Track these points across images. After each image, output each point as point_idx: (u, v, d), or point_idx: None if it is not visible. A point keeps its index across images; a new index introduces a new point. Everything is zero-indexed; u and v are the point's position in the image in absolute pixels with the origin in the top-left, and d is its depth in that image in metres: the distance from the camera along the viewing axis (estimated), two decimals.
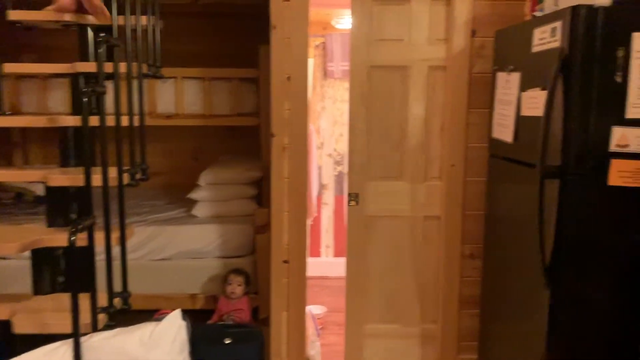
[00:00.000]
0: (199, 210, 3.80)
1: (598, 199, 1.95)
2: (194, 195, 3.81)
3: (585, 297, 2.00)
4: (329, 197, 4.55)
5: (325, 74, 4.37)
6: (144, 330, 1.79)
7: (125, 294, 2.25)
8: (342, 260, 4.60)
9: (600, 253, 1.97)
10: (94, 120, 2.14)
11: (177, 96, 3.90)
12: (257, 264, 3.57)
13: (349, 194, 2.95)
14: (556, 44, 1.98)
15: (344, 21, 4.50)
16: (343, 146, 4.51)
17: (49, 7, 2.32)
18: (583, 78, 1.90)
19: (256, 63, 3.87)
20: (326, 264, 4.60)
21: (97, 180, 2.16)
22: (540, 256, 2.03)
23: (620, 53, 1.87)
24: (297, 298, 2.94)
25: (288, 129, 2.83)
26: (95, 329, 2.10)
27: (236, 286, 3.26)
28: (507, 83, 2.39)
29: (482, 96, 2.83)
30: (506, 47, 2.47)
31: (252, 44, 4.35)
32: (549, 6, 2.23)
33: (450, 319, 2.98)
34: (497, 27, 2.75)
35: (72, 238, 1.91)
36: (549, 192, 2.02)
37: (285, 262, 2.93)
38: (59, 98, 3.89)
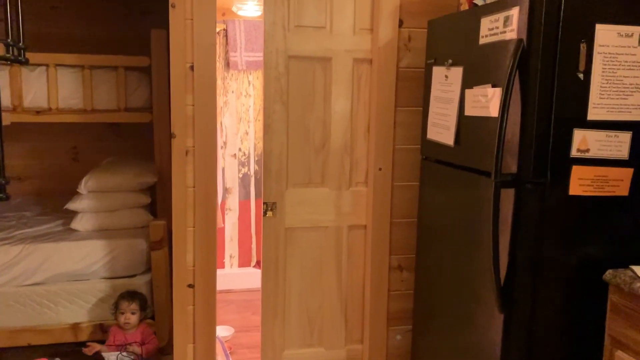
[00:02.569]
0: (80, 223, 3.21)
1: (559, 211, 1.74)
2: (73, 205, 3.21)
3: (542, 318, 1.79)
4: (233, 202, 4.12)
5: (228, 64, 3.92)
6: None
7: None
8: (248, 271, 4.21)
9: (560, 271, 1.77)
10: None
11: (50, 87, 3.25)
12: (153, 285, 3.06)
13: (265, 204, 2.56)
14: (512, 35, 1.74)
15: (247, 7, 4.08)
16: (249, 145, 4.09)
17: None
18: (543, 74, 1.67)
19: (148, 50, 3.35)
20: (230, 276, 4.16)
21: None
22: (493, 277, 1.78)
23: (583, 47, 1.66)
24: (205, 328, 2.50)
25: (192, 128, 2.38)
26: None
27: (130, 315, 2.74)
28: (446, 79, 2.13)
29: (409, 93, 2.57)
30: (442, 38, 2.22)
31: (142, 27, 3.81)
32: None
33: (378, 338, 2.70)
34: (426, 17, 2.50)
35: None
36: (502, 204, 1.78)
37: (190, 286, 2.48)
38: None
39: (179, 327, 2.50)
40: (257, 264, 4.27)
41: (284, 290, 2.65)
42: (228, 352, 3.12)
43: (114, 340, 2.78)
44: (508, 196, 1.78)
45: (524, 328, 1.78)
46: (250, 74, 4.02)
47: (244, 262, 4.25)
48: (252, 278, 4.20)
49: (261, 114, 4.11)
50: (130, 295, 2.84)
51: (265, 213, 2.56)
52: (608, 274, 1.71)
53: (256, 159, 4.13)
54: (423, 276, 2.43)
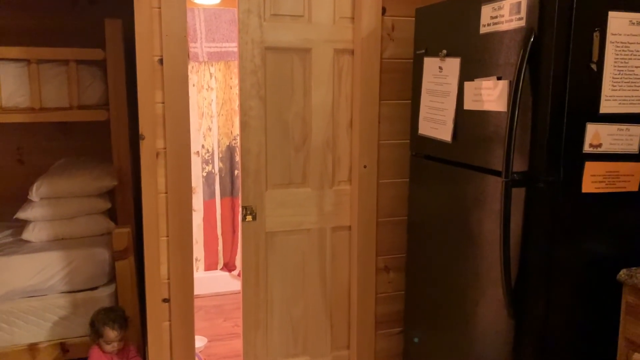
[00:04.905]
0: (33, 234, 2.91)
1: (571, 210, 1.65)
2: (24, 214, 2.90)
3: (555, 323, 1.70)
4: (197, 202, 3.88)
5: (188, 56, 3.67)
6: None
7: None
8: (216, 275, 4.02)
9: (572, 272, 1.68)
10: None
11: None
12: (118, 298, 2.82)
13: (244, 207, 2.38)
14: (519, 24, 1.63)
15: None
16: (212, 142, 3.86)
17: None
18: (556, 66, 1.57)
19: (99, 41, 3.07)
20: (196, 280, 3.93)
21: None
22: (503, 282, 1.68)
23: (597, 36, 1.57)
24: (183, 345, 2.30)
25: (162, 128, 2.17)
26: None
27: (117, 342, 2.43)
28: (441, 71, 2.01)
29: (394, 86, 2.44)
30: (433, 27, 2.09)
31: (90, 17, 3.51)
32: None
33: (365, 343, 2.58)
34: (410, 4, 2.38)
35: None
36: (512, 203, 1.68)
37: (165, 300, 2.27)
38: None
39: (154, 345, 2.29)
40: (225, 267, 4.07)
41: (265, 298, 2.48)
42: None
43: None
44: (518, 195, 1.68)
45: (537, 334, 1.69)
46: (212, 65, 3.78)
47: (210, 265, 4.04)
48: (220, 282, 4.00)
49: (224, 107, 3.89)
50: (114, 320, 2.44)
51: (244, 218, 2.38)
52: (622, 274, 1.64)
53: (220, 156, 3.91)
54: (415, 277, 2.32)
